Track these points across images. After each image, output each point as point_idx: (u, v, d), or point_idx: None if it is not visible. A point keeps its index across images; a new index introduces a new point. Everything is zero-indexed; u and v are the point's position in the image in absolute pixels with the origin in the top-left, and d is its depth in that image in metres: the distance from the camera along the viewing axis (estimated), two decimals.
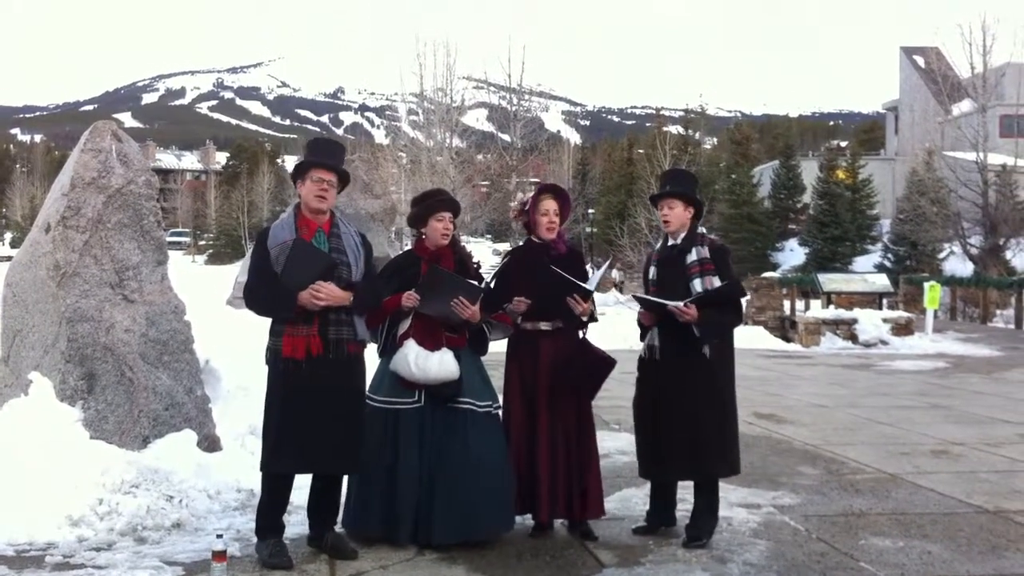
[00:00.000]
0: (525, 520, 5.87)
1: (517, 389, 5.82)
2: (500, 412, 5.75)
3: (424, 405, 5.52)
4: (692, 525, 5.74)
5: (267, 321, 5.34)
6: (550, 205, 5.90)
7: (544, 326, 5.79)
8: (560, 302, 5.69)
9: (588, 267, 6.08)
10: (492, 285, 5.77)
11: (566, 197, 6.08)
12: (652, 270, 5.93)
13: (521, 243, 6.30)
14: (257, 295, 5.30)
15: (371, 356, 5.68)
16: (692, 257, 5.69)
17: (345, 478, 5.54)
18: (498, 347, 5.92)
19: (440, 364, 5.45)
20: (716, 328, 5.60)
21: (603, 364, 5.76)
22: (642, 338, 5.89)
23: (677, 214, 5.80)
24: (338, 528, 5.52)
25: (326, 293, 5.12)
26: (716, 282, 5.62)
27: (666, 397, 5.67)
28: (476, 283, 5.57)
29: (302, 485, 5.48)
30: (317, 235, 5.31)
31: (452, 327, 5.55)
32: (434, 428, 5.51)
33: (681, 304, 5.50)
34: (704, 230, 5.90)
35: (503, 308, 5.77)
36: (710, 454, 5.65)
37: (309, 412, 5.16)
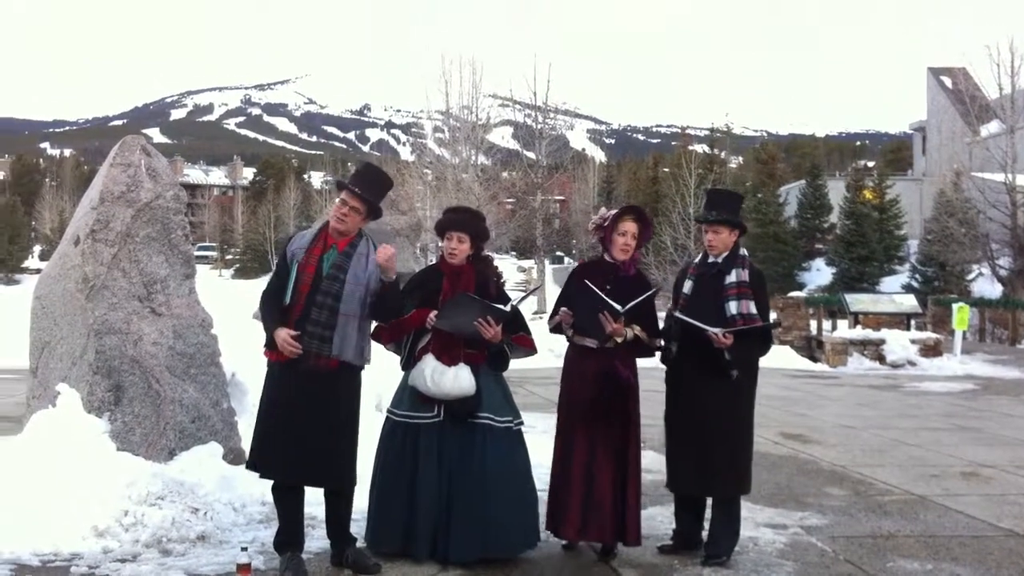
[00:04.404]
0: (550, 538, 5.84)
1: (563, 404, 5.80)
2: (521, 429, 5.70)
3: (443, 420, 5.50)
4: (710, 543, 5.71)
5: None
6: (630, 227, 5.78)
7: (590, 343, 5.73)
8: (592, 322, 5.60)
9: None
10: (557, 298, 5.80)
11: (648, 222, 5.95)
12: (688, 284, 5.85)
13: (592, 259, 6.25)
14: (262, 310, 5.46)
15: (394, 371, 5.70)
16: (731, 279, 5.66)
17: (364, 494, 5.53)
18: (533, 362, 5.89)
19: (455, 379, 5.43)
20: (746, 358, 5.60)
21: (620, 385, 5.68)
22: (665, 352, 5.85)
23: (723, 239, 5.76)
24: (360, 544, 5.51)
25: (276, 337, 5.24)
26: (752, 307, 5.60)
27: (684, 411, 5.68)
28: (502, 306, 5.54)
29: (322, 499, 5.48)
30: (330, 252, 5.35)
31: (471, 343, 5.54)
32: (452, 443, 5.49)
33: (720, 333, 5.47)
34: (746, 252, 5.84)
35: (557, 319, 5.79)
36: (719, 472, 5.62)
37: (280, 418, 5.23)
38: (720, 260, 5.76)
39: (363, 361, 5.43)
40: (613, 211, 5.94)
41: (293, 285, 5.28)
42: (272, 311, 5.33)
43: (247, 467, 5.42)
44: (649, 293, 5.72)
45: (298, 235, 5.54)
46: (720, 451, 5.58)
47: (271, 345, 5.28)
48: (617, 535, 5.69)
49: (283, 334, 5.18)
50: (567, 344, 5.90)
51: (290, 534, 5.34)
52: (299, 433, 5.19)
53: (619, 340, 5.64)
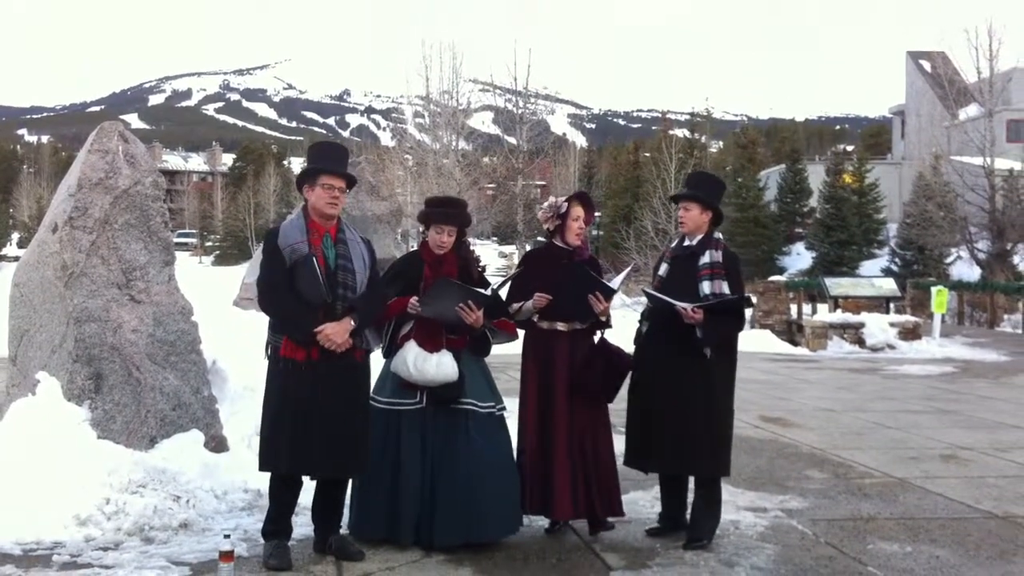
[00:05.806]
0: (532, 522, 5.86)
1: (533, 388, 5.83)
2: (503, 414, 5.75)
3: (425, 406, 5.51)
4: (692, 526, 5.76)
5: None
6: (580, 212, 5.96)
7: (560, 326, 5.81)
8: (579, 303, 5.72)
9: (608, 275, 6.15)
10: (509, 286, 5.83)
11: (592, 208, 6.16)
12: (663, 266, 5.99)
13: (537, 246, 6.37)
14: (277, 307, 5.23)
15: (376, 358, 5.69)
16: (704, 260, 5.74)
17: (349, 481, 5.53)
18: (515, 347, 5.93)
19: (437, 366, 5.44)
20: (718, 333, 5.63)
21: (623, 364, 5.79)
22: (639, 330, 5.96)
23: (692, 216, 5.85)
24: (343, 531, 5.52)
25: (325, 336, 5.10)
26: (725, 287, 5.67)
27: (659, 391, 5.71)
28: (483, 290, 5.56)
29: (311, 487, 5.46)
30: (324, 240, 5.28)
31: (453, 329, 5.55)
32: (436, 429, 5.51)
33: (689, 307, 5.52)
34: (720, 235, 5.93)
35: (518, 306, 5.81)
36: (696, 451, 5.65)
37: (304, 412, 5.13)
38: (695, 243, 5.86)
39: (379, 346, 5.55)
40: (563, 199, 6.07)
41: (312, 279, 5.14)
42: (294, 307, 5.15)
43: (263, 469, 5.28)
44: (630, 268, 5.86)
45: (285, 228, 5.32)
46: (697, 429, 5.62)
47: (305, 342, 5.12)
48: (610, 510, 5.82)
49: (335, 330, 5.11)
50: (525, 330, 5.95)
51: (282, 523, 5.33)
52: (336, 428, 5.15)
53: (603, 319, 5.81)
